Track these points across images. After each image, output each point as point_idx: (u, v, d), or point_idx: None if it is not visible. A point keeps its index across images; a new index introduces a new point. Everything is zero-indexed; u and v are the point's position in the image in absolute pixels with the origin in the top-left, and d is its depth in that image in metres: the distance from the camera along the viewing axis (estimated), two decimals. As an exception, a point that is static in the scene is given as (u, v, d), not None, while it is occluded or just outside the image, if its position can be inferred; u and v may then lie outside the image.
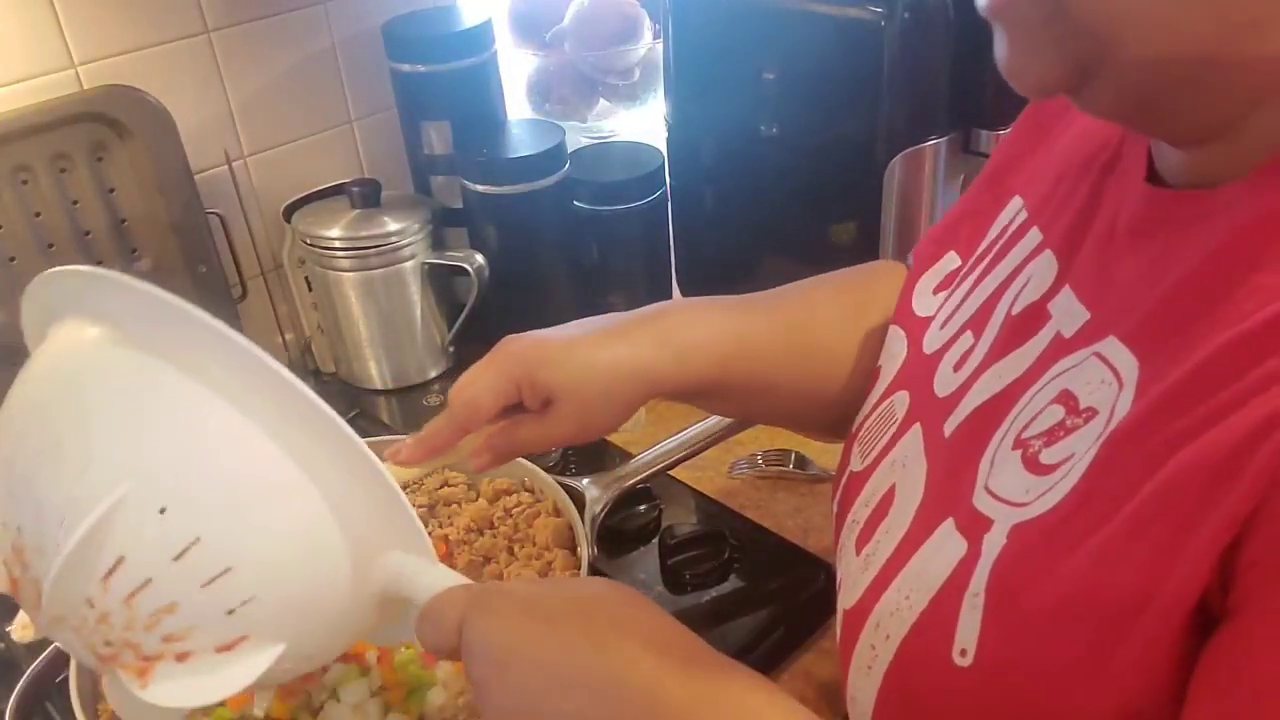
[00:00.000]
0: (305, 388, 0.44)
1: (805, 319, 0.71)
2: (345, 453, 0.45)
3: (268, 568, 0.45)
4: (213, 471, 0.44)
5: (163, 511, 0.43)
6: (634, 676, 0.44)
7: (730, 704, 0.45)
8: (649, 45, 1.31)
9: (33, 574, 0.45)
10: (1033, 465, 0.45)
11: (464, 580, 0.50)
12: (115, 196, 1.03)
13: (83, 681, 0.66)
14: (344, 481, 0.45)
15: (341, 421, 0.45)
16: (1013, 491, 0.46)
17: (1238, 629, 0.36)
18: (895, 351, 0.65)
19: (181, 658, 0.45)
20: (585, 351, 0.63)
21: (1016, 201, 0.58)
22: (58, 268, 0.48)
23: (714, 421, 0.83)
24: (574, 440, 0.65)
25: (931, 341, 0.60)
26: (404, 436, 0.65)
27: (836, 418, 0.72)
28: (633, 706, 0.44)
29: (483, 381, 0.62)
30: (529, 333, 0.64)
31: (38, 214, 0.99)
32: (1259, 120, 0.40)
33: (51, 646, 0.69)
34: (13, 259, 0.99)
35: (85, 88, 1.02)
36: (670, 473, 0.87)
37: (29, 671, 0.69)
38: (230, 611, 0.44)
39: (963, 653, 0.45)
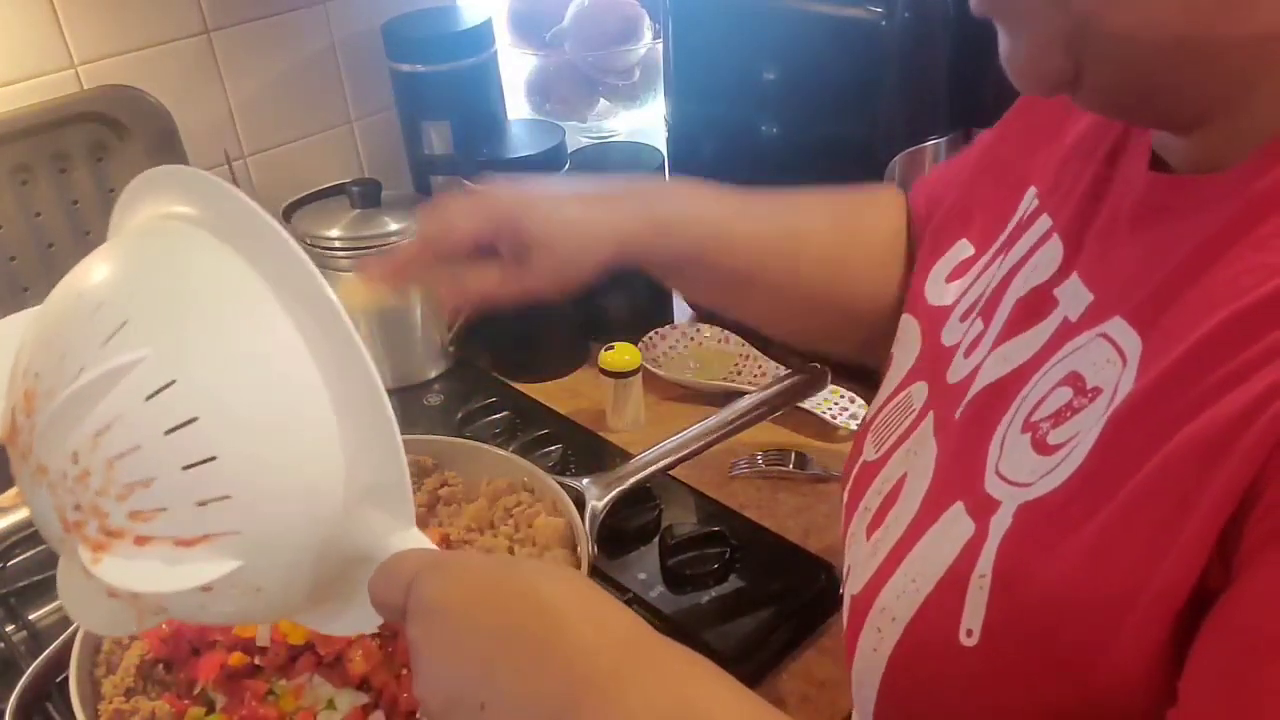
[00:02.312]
0: (356, 335, 0.45)
1: (794, 223, 0.73)
2: (372, 402, 0.45)
3: (252, 471, 0.44)
4: (238, 368, 0.44)
5: (170, 384, 0.43)
6: (564, 647, 0.43)
7: (663, 670, 0.43)
8: (649, 45, 1.32)
9: (33, 421, 0.45)
10: (1041, 447, 0.46)
11: (431, 545, 0.49)
12: (115, 196, 1.02)
13: (83, 681, 0.66)
14: (360, 427, 0.45)
15: (377, 376, 0.45)
16: (1021, 473, 0.46)
17: (1241, 589, 0.36)
18: (908, 341, 0.65)
19: (140, 541, 0.44)
20: (568, 207, 0.65)
21: (1031, 191, 0.59)
22: (158, 168, 0.50)
23: (714, 421, 0.83)
24: (544, 292, 0.65)
25: (951, 334, 0.60)
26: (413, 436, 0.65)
27: (812, 327, 0.75)
28: (557, 677, 0.42)
29: (464, 211, 0.63)
30: (511, 183, 0.65)
31: (38, 214, 0.99)
32: (1254, 103, 0.41)
33: (51, 646, 0.69)
34: (13, 259, 0.99)
35: (85, 88, 1.02)
36: (670, 473, 0.86)
37: (29, 671, 0.69)
38: (202, 503, 0.44)
39: (969, 633, 0.45)
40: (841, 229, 0.74)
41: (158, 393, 0.43)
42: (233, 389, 0.44)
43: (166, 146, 1.03)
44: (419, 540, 0.49)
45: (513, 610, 0.44)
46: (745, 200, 0.72)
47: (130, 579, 0.44)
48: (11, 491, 0.51)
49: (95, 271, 0.48)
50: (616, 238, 0.65)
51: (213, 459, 0.43)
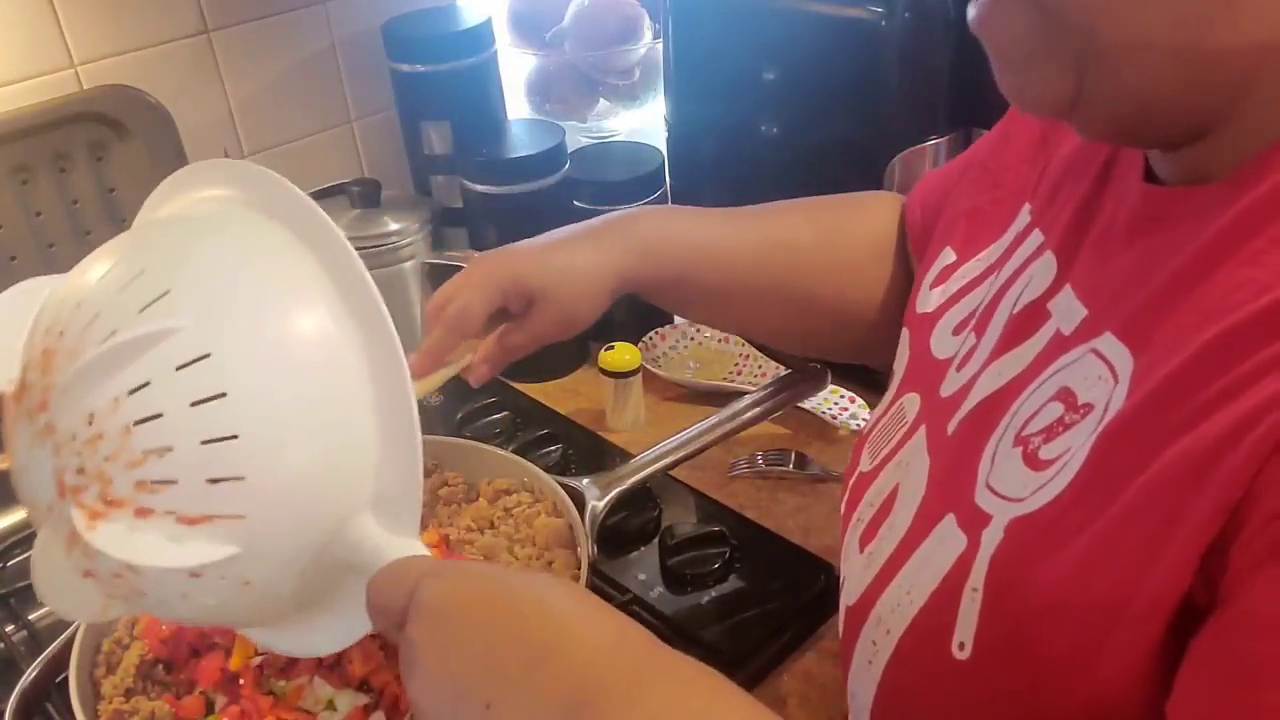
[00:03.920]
0: (399, 345, 0.45)
1: (777, 234, 0.75)
2: (405, 414, 0.46)
3: (271, 457, 0.44)
4: (277, 352, 0.44)
5: (204, 358, 0.43)
6: (573, 661, 0.42)
7: (680, 679, 0.43)
8: (649, 45, 1.31)
9: (50, 379, 0.45)
10: (1032, 461, 0.46)
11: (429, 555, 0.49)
12: (115, 196, 1.03)
13: (83, 681, 0.66)
14: (389, 435, 0.46)
15: (412, 390, 0.45)
16: (1012, 487, 0.46)
17: (1229, 612, 0.36)
18: (902, 351, 0.66)
19: (142, 513, 0.44)
20: (559, 256, 0.69)
21: (1026, 208, 0.59)
22: (200, 162, 0.51)
23: (714, 421, 0.83)
24: (558, 337, 0.70)
25: (942, 347, 0.60)
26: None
27: (802, 335, 0.77)
28: (565, 691, 0.42)
29: (471, 290, 0.67)
30: (500, 248, 0.70)
31: (38, 214, 0.99)
32: (1244, 114, 0.41)
33: (51, 646, 0.69)
34: (13, 259, 0.99)
35: (85, 88, 1.02)
36: (670, 473, 0.86)
37: (29, 671, 0.69)
38: (213, 481, 0.43)
39: (961, 646, 0.45)
40: (826, 237, 0.75)
41: (190, 364, 0.43)
42: (268, 372, 0.44)
43: (166, 146, 1.03)
44: (421, 551, 0.48)
45: (520, 614, 0.44)
46: (726, 217, 0.74)
47: (123, 549, 0.44)
48: None
49: (137, 241, 0.48)
50: (608, 273, 0.69)
51: (234, 437, 0.43)
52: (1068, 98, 0.43)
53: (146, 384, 0.43)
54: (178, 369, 0.43)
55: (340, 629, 0.51)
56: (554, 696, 0.41)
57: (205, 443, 0.43)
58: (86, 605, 0.49)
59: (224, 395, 0.43)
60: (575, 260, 0.69)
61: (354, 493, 0.46)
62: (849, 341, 0.77)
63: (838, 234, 0.76)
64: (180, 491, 0.44)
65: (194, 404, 0.43)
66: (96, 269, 0.47)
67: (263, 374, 0.44)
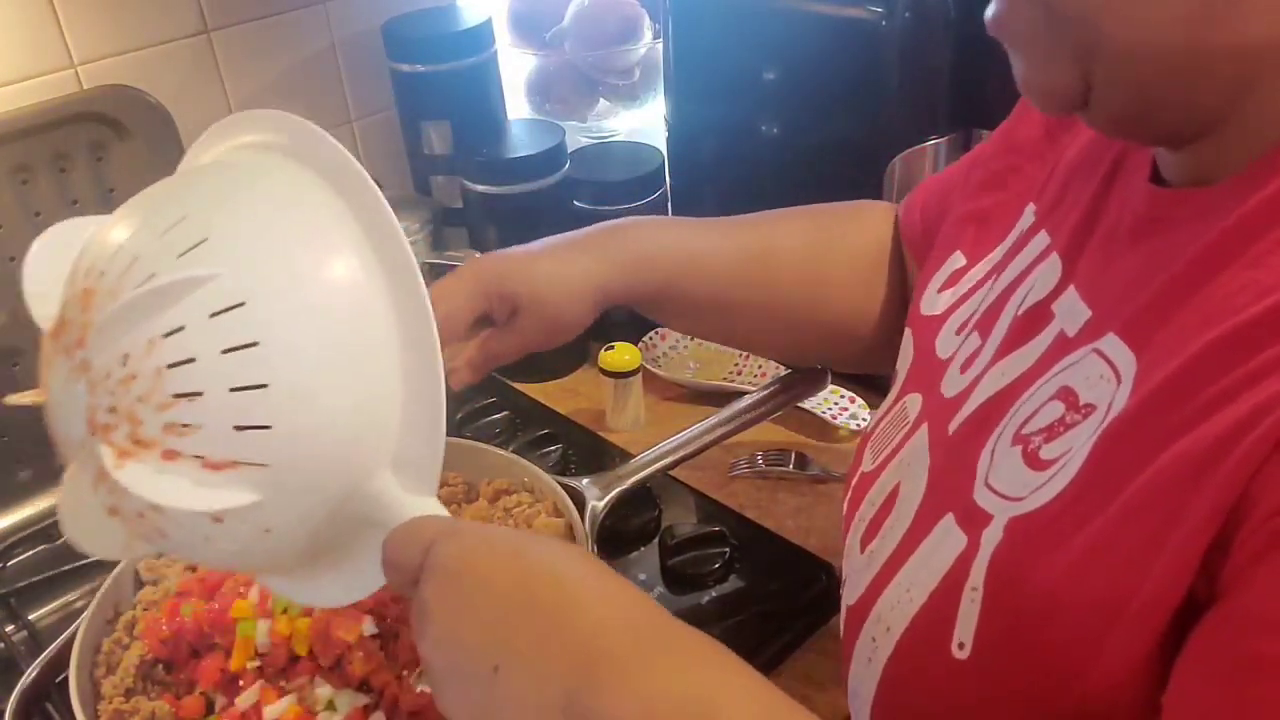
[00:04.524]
0: (430, 305, 0.46)
1: (766, 245, 0.75)
2: (433, 372, 0.46)
3: (298, 407, 0.45)
4: (311, 304, 0.45)
5: (239, 306, 0.44)
6: (583, 625, 0.43)
7: (682, 655, 0.43)
8: (649, 45, 1.31)
9: (88, 318, 0.45)
10: (1032, 460, 0.46)
11: (447, 514, 0.50)
12: (115, 196, 1.03)
13: (83, 681, 0.66)
14: (417, 393, 0.46)
15: (439, 349, 0.46)
16: (1011, 486, 0.46)
17: (1227, 608, 0.36)
18: (905, 352, 0.66)
19: (169, 456, 0.45)
20: (545, 264, 0.69)
21: (1030, 208, 0.59)
22: (246, 112, 0.52)
23: (714, 421, 0.83)
24: (542, 346, 0.71)
25: (945, 346, 0.60)
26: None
27: (796, 345, 0.78)
28: (574, 653, 0.42)
29: (456, 295, 0.67)
30: (492, 253, 0.70)
31: (38, 214, 0.99)
32: (1248, 114, 0.41)
33: (51, 646, 0.69)
34: (13, 259, 0.99)
35: (85, 88, 1.02)
36: (670, 473, 0.86)
37: (29, 671, 0.69)
38: (240, 428, 0.44)
39: (961, 645, 0.45)
40: (817, 246, 0.76)
41: (224, 311, 0.44)
42: (300, 324, 0.45)
43: (166, 146, 1.03)
44: (438, 511, 0.49)
45: (532, 580, 0.44)
46: (714, 228, 0.75)
47: (149, 489, 0.45)
48: (29, 393, 0.51)
49: (179, 188, 0.48)
50: (594, 284, 0.69)
51: (264, 386, 0.44)
52: (1078, 93, 0.43)
53: (181, 328, 0.44)
54: (212, 315, 0.44)
55: (356, 581, 0.52)
56: (559, 666, 0.42)
57: (234, 390, 0.44)
58: (110, 542, 0.50)
59: (256, 344, 0.44)
60: (560, 270, 0.69)
61: (377, 448, 0.47)
62: (836, 353, 0.78)
63: (826, 246, 0.76)
64: (207, 436, 0.44)
65: (226, 351, 0.44)
66: (139, 213, 0.48)
67: (295, 325, 0.45)
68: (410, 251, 0.46)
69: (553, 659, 0.42)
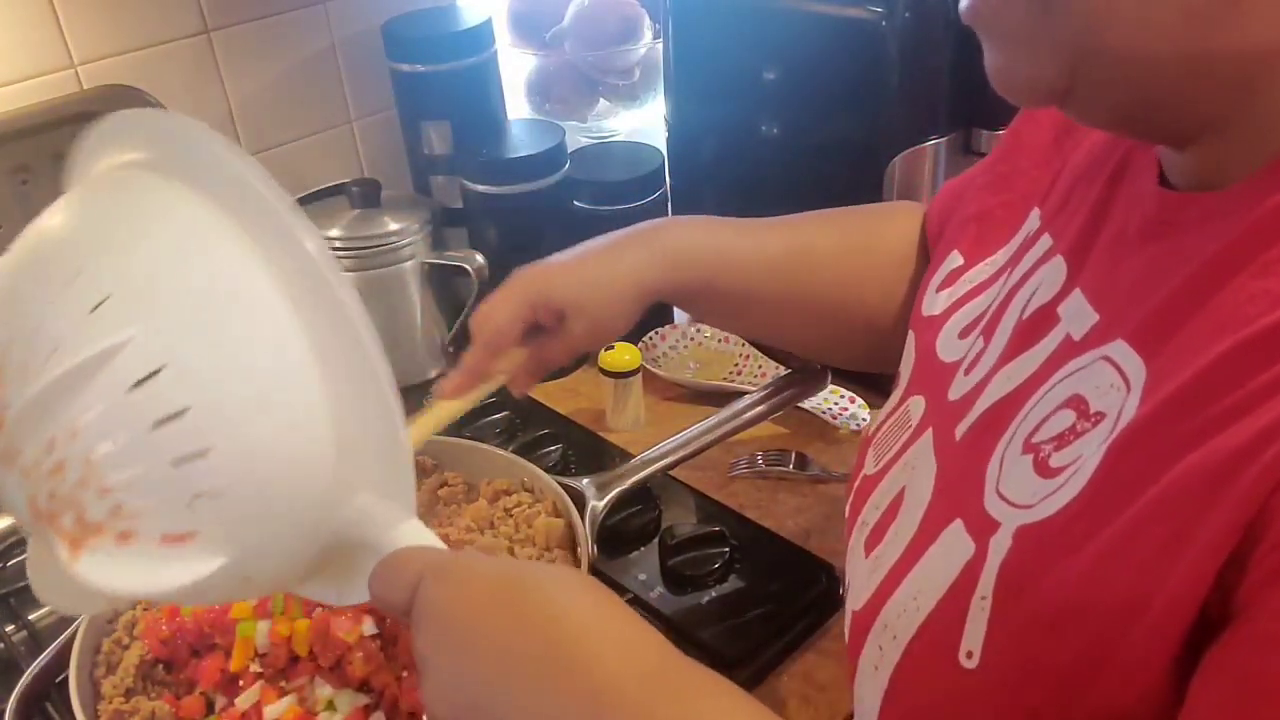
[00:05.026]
0: (358, 307, 0.42)
1: (805, 243, 0.76)
2: (367, 379, 0.43)
3: (247, 466, 0.41)
4: (229, 349, 0.41)
5: (159, 371, 0.40)
6: (590, 674, 0.42)
7: (693, 706, 0.43)
8: (649, 45, 1.31)
9: (3, 395, 0.42)
10: (1042, 469, 0.45)
11: (434, 539, 0.48)
12: (115, 196, 1.03)
13: (83, 681, 0.66)
14: (355, 405, 0.43)
15: (376, 349, 0.42)
16: (1021, 494, 0.46)
17: (1243, 629, 0.36)
18: (908, 354, 0.66)
19: (123, 538, 0.41)
20: (587, 268, 0.71)
21: (1035, 212, 0.59)
22: (132, 110, 0.47)
23: (714, 421, 0.83)
24: (591, 347, 0.73)
25: (947, 349, 0.60)
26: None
27: (827, 341, 0.79)
28: (582, 704, 0.42)
29: (503, 308, 0.69)
30: (536, 263, 0.71)
31: (38, 214, 0.99)
32: (1254, 117, 0.40)
33: (51, 646, 0.69)
34: (13, 259, 0.99)
35: (85, 88, 1.02)
36: (670, 473, 0.86)
37: (29, 671, 0.69)
38: (192, 500, 0.41)
39: (969, 654, 0.45)
40: (852, 244, 0.76)
41: (145, 380, 0.40)
42: (226, 378, 0.41)
43: (166, 146, 1.03)
44: (419, 533, 0.47)
45: (528, 623, 0.44)
46: (751, 226, 0.76)
47: (111, 579, 0.42)
48: None
49: (68, 229, 0.44)
50: (636, 282, 0.70)
51: (207, 452, 0.41)
52: (1059, 86, 0.42)
53: (103, 409, 0.40)
54: (132, 389, 0.40)
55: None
56: (566, 716, 0.42)
57: (176, 463, 0.41)
58: (89, 603, 0.48)
59: (186, 410, 0.40)
60: (602, 272, 0.70)
61: (338, 479, 0.44)
62: (873, 350, 0.78)
63: (862, 242, 0.77)
64: (158, 515, 0.42)
65: (156, 424, 0.40)
66: (34, 264, 0.44)
67: (221, 381, 0.41)
68: (320, 265, 0.42)
69: (559, 710, 0.42)
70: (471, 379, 0.69)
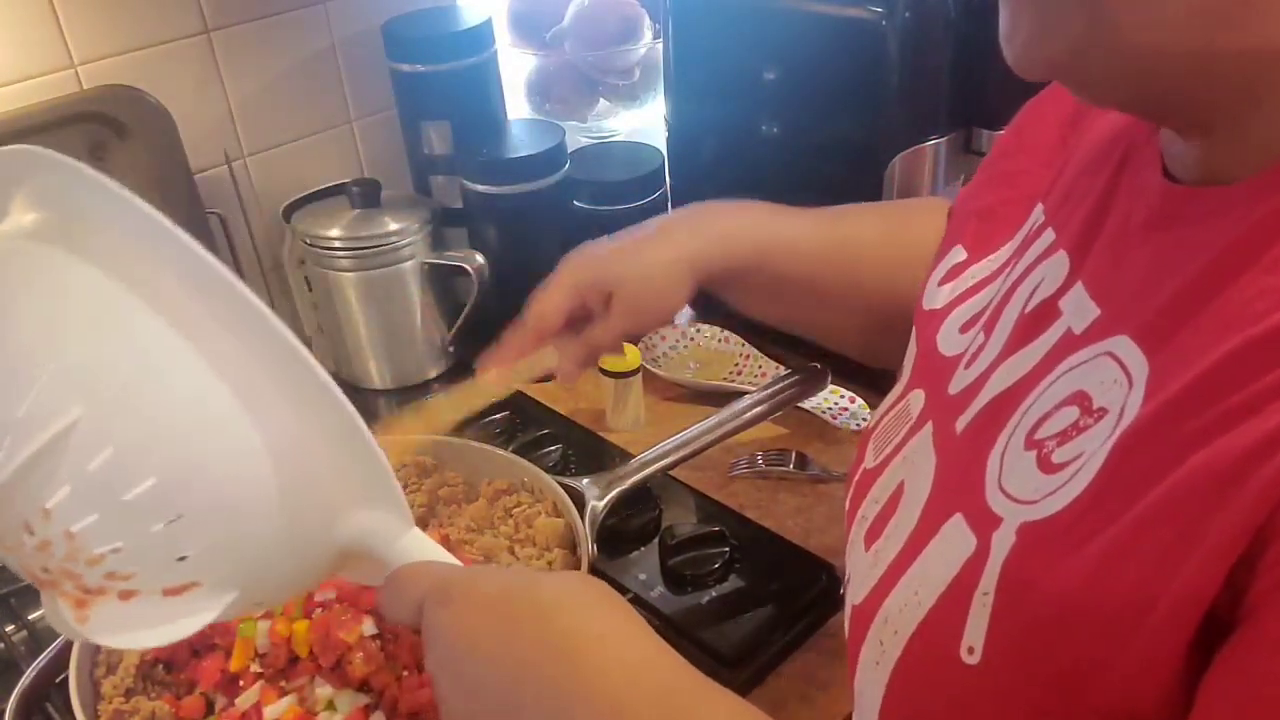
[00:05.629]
0: (291, 338, 0.41)
1: (848, 231, 0.77)
2: (319, 403, 0.43)
3: (222, 517, 0.42)
4: (172, 413, 0.41)
5: (114, 447, 0.40)
6: (599, 697, 0.43)
7: None
8: (649, 45, 1.32)
9: None
10: (1045, 465, 0.45)
11: (437, 550, 0.48)
12: (115, 196, 1.03)
13: (82, 681, 0.66)
14: (311, 430, 0.43)
15: (321, 372, 0.42)
16: (1023, 490, 0.46)
17: (1253, 632, 0.36)
18: (909, 349, 0.65)
19: (125, 596, 0.42)
20: (635, 252, 0.72)
21: (1039, 208, 0.59)
22: (11, 147, 0.44)
23: (714, 421, 0.83)
24: (642, 330, 0.74)
25: (948, 343, 0.60)
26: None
27: (869, 335, 0.79)
28: None
29: (550, 293, 0.70)
30: (583, 247, 0.72)
31: (38, 214, 0.99)
32: (1264, 115, 0.40)
33: (51, 646, 0.69)
34: (13, 259, 0.99)
35: (85, 88, 1.02)
36: (670, 473, 0.86)
37: (29, 671, 0.69)
38: (181, 559, 0.42)
39: (970, 650, 0.45)
40: (892, 236, 0.77)
41: (103, 458, 0.40)
42: (182, 435, 0.41)
43: (166, 146, 1.03)
44: (420, 546, 0.48)
45: (530, 647, 0.44)
46: (795, 213, 0.76)
47: (123, 639, 0.43)
48: None
49: None
50: (685, 263, 0.71)
51: (181, 516, 0.41)
52: (1069, 67, 0.43)
53: (68, 490, 0.40)
54: (89, 467, 0.40)
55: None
56: None
57: (154, 529, 0.41)
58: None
59: (149, 479, 0.41)
60: (650, 254, 0.71)
61: (325, 503, 0.45)
62: (898, 342, 0.78)
63: (900, 235, 0.78)
64: (151, 575, 0.42)
65: (125, 497, 0.41)
66: None
67: (175, 444, 0.41)
68: (234, 288, 0.41)
69: None
70: (509, 356, 0.70)
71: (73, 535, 0.41)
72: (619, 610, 0.47)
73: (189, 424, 0.41)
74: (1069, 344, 0.48)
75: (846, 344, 0.84)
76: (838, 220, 0.77)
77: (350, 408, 0.43)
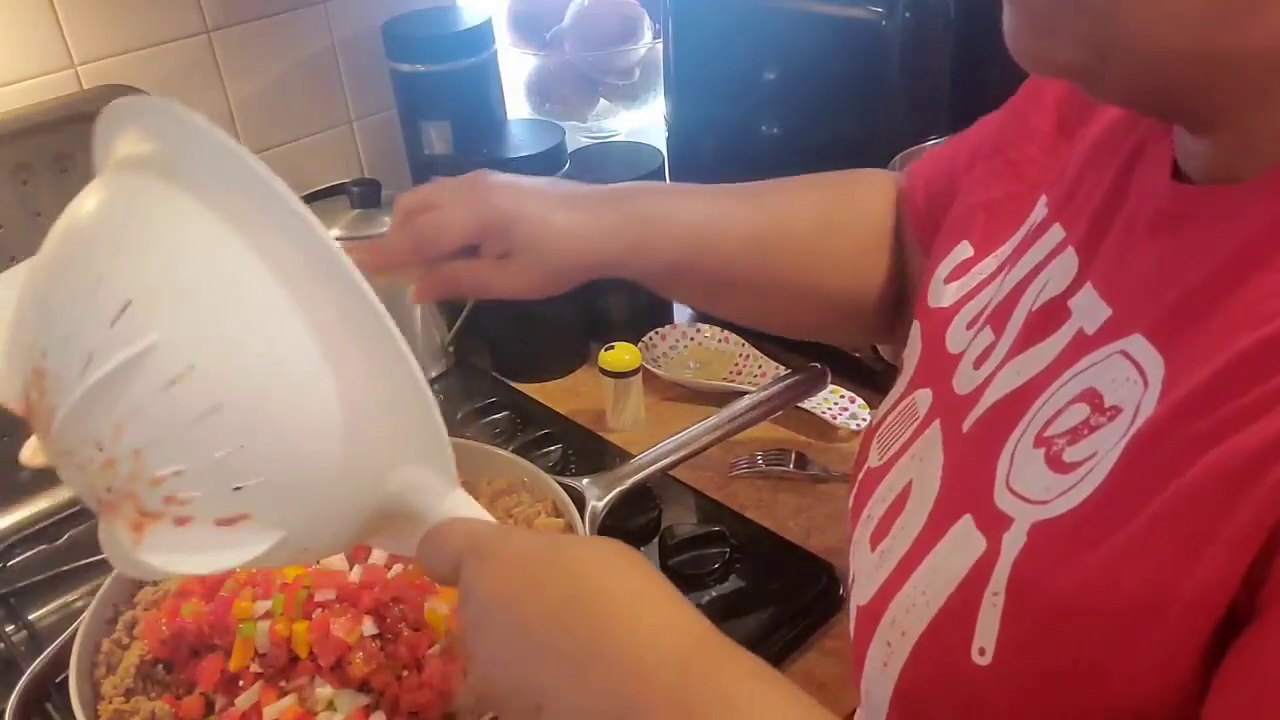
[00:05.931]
0: (374, 298, 0.43)
1: (775, 217, 0.74)
2: (389, 357, 0.45)
3: (283, 454, 0.44)
4: (251, 346, 0.43)
5: (189, 370, 0.42)
6: (624, 657, 0.43)
7: (726, 693, 0.43)
8: (649, 45, 1.32)
9: (49, 401, 0.44)
10: (1056, 464, 0.45)
11: (479, 510, 0.50)
12: (115, 196, 1.03)
13: (82, 681, 0.66)
14: (380, 386, 0.45)
15: (394, 330, 0.44)
16: (1034, 489, 0.45)
17: (1268, 626, 0.35)
18: (913, 345, 0.65)
19: (180, 522, 0.44)
20: (555, 215, 0.66)
21: (1042, 200, 0.58)
22: (135, 97, 0.48)
23: (714, 421, 0.83)
24: (525, 294, 0.67)
25: (956, 341, 0.60)
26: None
27: (800, 322, 0.77)
28: (617, 686, 0.42)
29: (456, 215, 0.64)
30: (504, 176, 0.67)
31: (38, 214, 0.98)
32: (1273, 113, 0.40)
33: (51, 646, 0.70)
34: (13, 259, 0.98)
35: (85, 88, 1.02)
36: (670, 473, 0.86)
37: (29, 671, 0.69)
38: (237, 488, 0.44)
39: (981, 651, 0.44)
40: (825, 221, 0.75)
41: (177, 381, 0.42)
42: (253, 371, 0.43)
43: (166, 146, 1.03)
44: (464, 504, 0.50)
45: (560, 605, 0.44)
46: (725, 200, 0.73)
47: (174, 563, 0.45)
48: (38, 455, 0.50)
49: (90, 234, 0.46)
50: (596, 249, 0.67)
51: (243, 446, 0.43)
52: (1075, 66, 0.42)
53: (139, 410, 0.42)
54: (165, 388, 0.42)
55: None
56: (600, 704, 0.42)
57: (216, 456, 0.43)
58: (157, 573, 0.50)
59: (220, 406, 0.43)
60: (569, 226, 0.66)
61: (378, 454, 0.47)
62: (834, 328, 0.78)
63: (835, 221, 0.75)
64: (208, 502, 0.44)
65: (191, 423, 0.42)
66: (57, 269, 0.46)
67: (249, 375, 0.43)
68: (328, 245, 0.43)
69: (593, 698, 0.43)
70: (383, 261, 0.65)
71: (140, 454, 0.43)
72: (648, 574, 0.47)
73: (266, 357, 0.43)
74: (1082, 345, 0.48)
75: (776, 330, 0.84)
76: (767, 205, 0.74)
77: (419, 370, 0.45)
